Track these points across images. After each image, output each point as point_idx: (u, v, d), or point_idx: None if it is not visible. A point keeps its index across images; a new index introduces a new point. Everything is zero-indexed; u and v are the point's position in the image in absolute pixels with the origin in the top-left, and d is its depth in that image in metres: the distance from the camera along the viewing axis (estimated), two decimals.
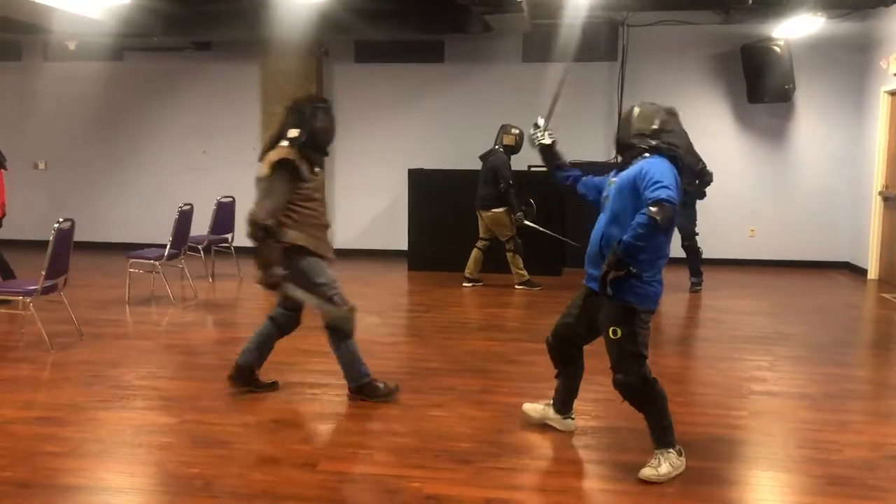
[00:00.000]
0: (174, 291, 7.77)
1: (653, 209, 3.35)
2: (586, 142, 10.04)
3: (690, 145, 7.97)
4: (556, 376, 4.15)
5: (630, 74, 9.96)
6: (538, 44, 9.92)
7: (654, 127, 3.69)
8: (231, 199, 8.88)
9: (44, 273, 5.57)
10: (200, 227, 8.47)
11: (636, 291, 3.55)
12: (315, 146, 4.49)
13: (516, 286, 8.30)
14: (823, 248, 9.94)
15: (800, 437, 4.21)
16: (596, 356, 5.18)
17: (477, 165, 8.39)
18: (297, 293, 4.44)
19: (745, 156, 10.04)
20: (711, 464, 3.78)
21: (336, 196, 10.90)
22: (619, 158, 3.81)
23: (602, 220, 3.75)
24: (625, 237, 3.42)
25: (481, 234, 8.40)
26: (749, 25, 9.51)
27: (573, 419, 4.19)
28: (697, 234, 8.16)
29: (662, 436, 3.65)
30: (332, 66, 10.67)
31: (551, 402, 4.21)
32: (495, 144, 8.28)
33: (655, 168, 3.50)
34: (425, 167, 9.79)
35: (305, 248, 4.41)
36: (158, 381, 5.07)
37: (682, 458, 3.66)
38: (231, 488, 3.48)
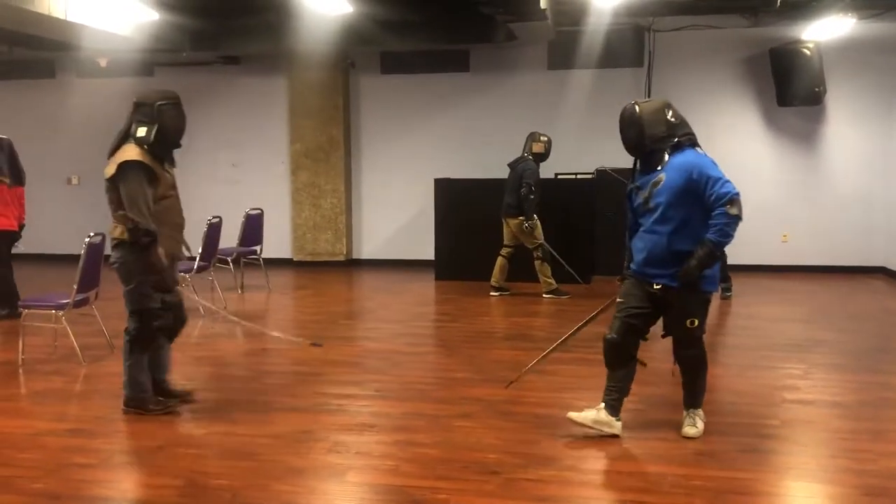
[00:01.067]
0: (204, 303, 7.83)
1: (730, 208, 3.76)
2: (613, 149, 9.94)
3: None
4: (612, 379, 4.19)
5: (657, 80, 9.89)
6: (563, 51, 9.89)
7: (667, 126, 3.95)
8: (260, 212, 8.95)
9: (75, 287, 5.65)
10: (229, 239, 8.55)
11: (711, 280, 4.01)
12: (164, 144, 4.42)
13: (544, 295, 8.26)
14: (858, 252, 9.77)
15: (834, 447, 4.12)
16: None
17: (504, 174, 8.38)
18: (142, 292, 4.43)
19: (776, 160, 9.91)
20: (742, 474, 3.71)
21: (363, 206, 10.96)
22: (639, 164, 4.10)
23: (649, 225, 4.00)
24: (713, 237, 3.81)
25: (505, 242, 8.37)
26: (777, 28, 9.41)
27: (620, 420, 4.19)
28: None
29: (700, 398, 4.19)
30: (359, 78, 10.74)
31: (603, 405, 4.16)
32: (524, 152, 8.26)
33: (700, 164, 3.85)
34: (451, 176, 9.80)
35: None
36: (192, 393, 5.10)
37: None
38: (258, 500, 3.49)
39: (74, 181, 11.53)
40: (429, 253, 9.77)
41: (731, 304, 7.99)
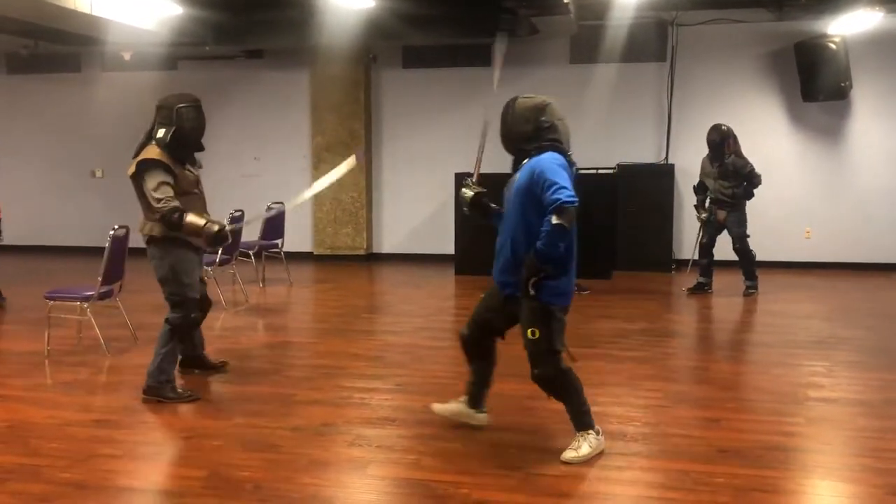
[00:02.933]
0: (226, 296, 7.90)
1: (555, 217, 3.53)
2: (636, 144, 9.94)
3: (719, 142, 7.82)
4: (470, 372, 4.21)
5: (680, 75, 9.83)
6: (586, 45, 9.84)
7: (535, 126, 3.78)
8: (281, 205, 8.97)
9: (100, 279, 5.71)
10: (251, 232, 8.60)
11: (553, 291, 3.72)
12: (183, 144, 4.65)
13: None
14: (883, 249, 9.65)
15: (858, 446, 4.09)
16: (644, 362, 5.15)
17: None
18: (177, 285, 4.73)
19: (800, 155, 9.81)
20: (766, 472, 3.69)
21: (384, 200, 10.97)
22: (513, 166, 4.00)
23: (506, 227, 3.90)
24: (538, 245, 3.59)
25: None
26: (803, 22, 9.30)
27: (485, 413, 4.22)
28: (749, 235, 7.98)
29: (581, 419, 3.85)
30: (381, 72, 10.75)
31: (465, 398, 4.22)
32: None
33: (546, 167, 3.63)
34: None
35: (179, 238, 4.60)
36: (210, 384, 5.15)
37: (601, 438, 3.86)
38: (280, 492, 3.52)
39: (99, 174, 11.64)
40: (449, 247, 9.78)
41: (755, 301, 7.93)
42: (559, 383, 3.83)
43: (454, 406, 4.27)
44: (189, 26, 8.86)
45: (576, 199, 3.57)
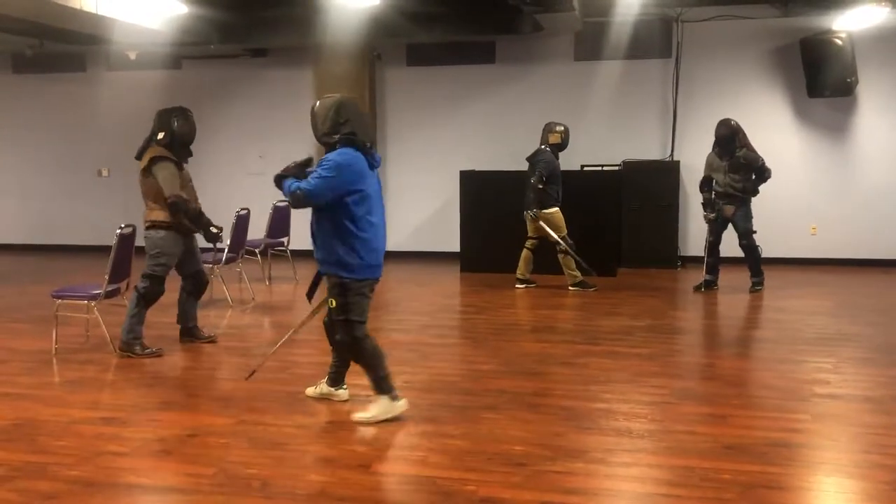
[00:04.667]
0: (232, 294, 7.92)
1: (289, 197, 4.20)
2: (641, 140, 9.93)
3: (729, 137, 7.77)
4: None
5: (685, 71, 9.81)
6: (590, 42, 9.83)
7: (332, 123, 4.18)
8: (287, 203, 8.98)
9: (107, 277, 5.73)
10: (257, 230, 8.62)
11: (343, 265, 4.19)
12: (179, 146, 5.71)
13: (570, 287, 8.24)
14: (889, 245, 9.62)
15: (865, 442, 4.08)
16: (649, 359, 5.16)
17: None
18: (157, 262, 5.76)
19: (805, 151, 9.79)
20: (772, 469, 3.69)
21: (389, 198, 10.95)
22: None
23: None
24: (279, 173, 4.33)
25: (530, 234, 8.35)
26: (808, 18, 9.28)
27: (346, 388, 4.68)
28: (755, 231, 7.96)
29: (380, 385, 4.31)
30: (385, 70, 10.75)
31: (326, 378, 4.70)
32: (541, 144, 8.23)
33: (326, 159, 4.14)
34: (477, 168, 9.79)
35: (174, 224, 5.61)
36: (217, 382, 5.17)
37: (397, 402, 4.32)
38: (287, 489, 3.53)
39: (105, 173, 11.67)
40: (454, 245, 9.78)
41: (761, 297, 7.91)
42: (354, 350, 4.36)
43: (322, 388, 4.71)
44: (194, 25, 8.88)
45: (319, 189, 4.12)
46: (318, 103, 4.26)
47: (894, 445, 3.96)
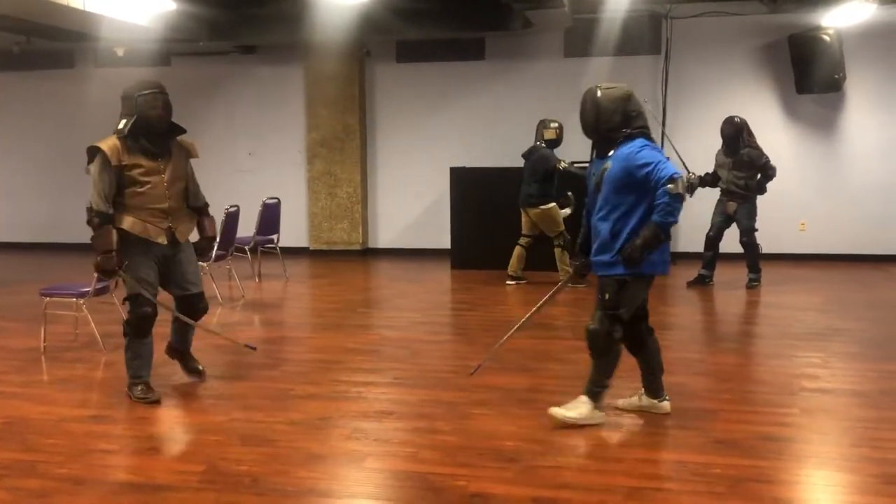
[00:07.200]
0: (222, 292, 7.90)
1: (671, 187, 3.76)
2: None
3: (734, 135, 7.84)
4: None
5: (674, 68, 9.83)
6: (580, 39, 9.84)
7: (623, 116, 3.98)
8: (277, 201, 8.98)
9: (96, 275, 5.69)
10: (247, 228, 8.59)
11: (652, 263, 3.98)
12: (146, 132, 4.52)
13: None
14: (878, 241, 9.68)
15: (854, 436, 4.10)
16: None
17: (520, 161, 8.35)
18: (127, 279, 4.61)
19: (794, 148, 9.83)
20: (762, 463, 3.70)
21: (379, 195, 10.97)
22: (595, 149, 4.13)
23: (599, 211, 4.04)
24: (656, 218, 3.83)
25: (524, 231, 8.36)
26: (797, 14, 9.29)
27: (668, 400, 4.33)
28: (757, 230, 8.01)
29: (597, 391, 4.14)
30: (374, 67, 10.74)
31: (642, 391, 4.34)
32: (536, 141, 8.24)
33: (639, 153, 3.88)
34: (468, 165, 9.79)
35: (129, 232, 4.52)
36: (207, 379, 5.15)
37: (598, 413, 4.15)
38: (278, 485, 3.52)
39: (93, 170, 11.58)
40: (445, 242, 9.77)
41: (752, 293, 7.95)
42: (602, 341, 4.04)
43: (636, 400, 4.36)
44: (182, 22, 8.83)
45: (679, 172, 3.84)
46: (599, 94, 3.99)
47: (882, 439, 3.99)
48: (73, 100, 11.38)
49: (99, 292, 5.87)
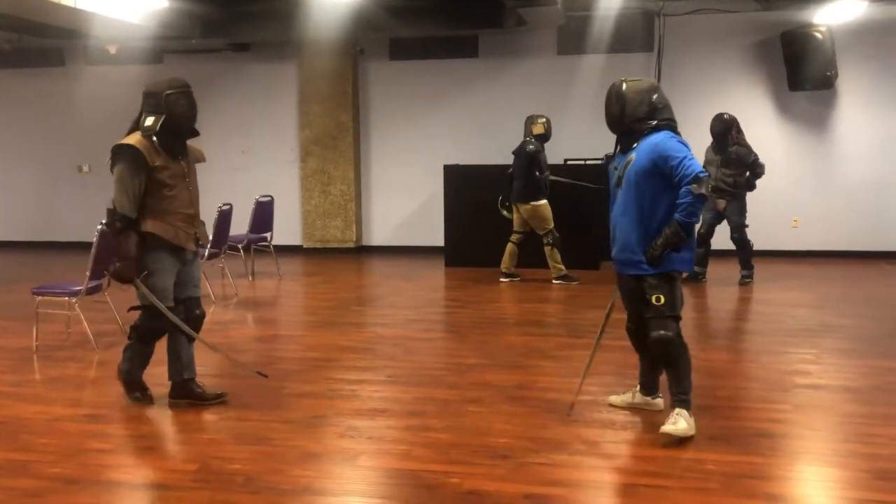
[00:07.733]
0: (215, 290, 7.88)
1: (695, 187, 3.70)
2: None
3: (723, 132, 7.90)
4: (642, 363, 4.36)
5: (667, 65, 9.85)
6: (573, 36, 9.85)
7: (649, 107, 3.92)
8: (270, 199, 8.97)
9: (88, 274, 5.68)
10: (240, 226, 8.58)
11: (681, 259, 3.95)
12: (174, 133, 4.32)
13: (553, 280, 8.26)
14: (870, 237, 9.72)
15: (846, 431, 4.12)
16: (633, 351, 5.14)
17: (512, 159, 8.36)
18: (142, 289, 4.34)
19: (787, 144, 9.86)
20: (754, 458, 3.72)
21: (372, 193, 10.96)
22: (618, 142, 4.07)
23: (621, 207, 3.97)
24: (680, 217, 3.78)
25: (515, 228, 8.37)
26: (789, 12, 9.33)
27: (661, 397, 4.33)
28: (747, 226, 8.04)
29: (686, 396, 3.97)
30: (368, 64, 10.73)
31: (637, 388, 4.38)
32: (525, 137, 8.25)
33: (666, 145, 3.82)
34: (461, 163, 9.79)
35: (160, 237, 4.30)
36: (200, 378, 5.13)
37: (692, 420, 3.95)
38: (272, 484, 3.52)
39: (85, 169, 11.56)
40: (438, 239, 9.78)
41: (744, 290, 7.98)
42: (676, 346, 3.95)
43: (629, 397, 4.40)
44: (175, 19, 8.80)
45: (705, 171, 3.79)
46: (624, 86, 3.93)
47: (874, 434, 4.01)
48: (65, 98, 11.35)
49: (91, 291, 5.85)
